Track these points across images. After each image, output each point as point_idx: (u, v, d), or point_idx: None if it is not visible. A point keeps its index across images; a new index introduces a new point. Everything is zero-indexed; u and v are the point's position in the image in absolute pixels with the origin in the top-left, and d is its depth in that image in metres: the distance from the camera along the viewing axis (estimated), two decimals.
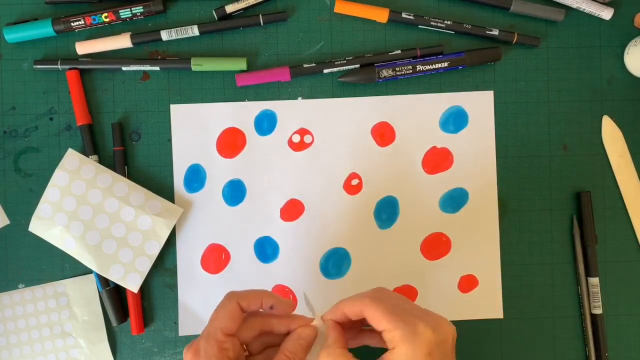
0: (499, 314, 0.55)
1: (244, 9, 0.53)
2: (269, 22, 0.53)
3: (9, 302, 0.54)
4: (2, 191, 0.54)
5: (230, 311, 0.40)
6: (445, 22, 0.53)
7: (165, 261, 0.54)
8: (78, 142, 0.54)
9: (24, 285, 0.54)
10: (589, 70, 0.55)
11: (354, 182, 0.55)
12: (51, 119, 0.54)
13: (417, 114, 0.54)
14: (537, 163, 0.55)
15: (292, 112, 0.54)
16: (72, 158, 0.52)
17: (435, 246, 0.55)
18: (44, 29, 0.53)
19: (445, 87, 0.55)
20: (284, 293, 0.54)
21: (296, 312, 0.43)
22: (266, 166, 0.54)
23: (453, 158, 0.55)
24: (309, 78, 0.54)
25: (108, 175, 0.53)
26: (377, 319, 0.38)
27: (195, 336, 0.53)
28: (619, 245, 0.55)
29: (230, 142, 0.54)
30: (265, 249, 0.54)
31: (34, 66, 0.53)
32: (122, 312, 0.54)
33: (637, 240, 0.55)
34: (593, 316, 0.55)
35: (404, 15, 0.53)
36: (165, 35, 0.53)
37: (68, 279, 0.54)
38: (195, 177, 0.54)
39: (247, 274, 0.54)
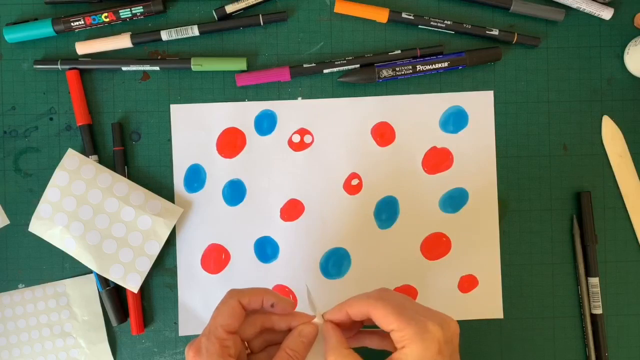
0: (499, 314, 0.55)
1: (244, 9, 0.53)
2: (269, 22, 0.53)
3: (9, 302, 0.54)
4: (2, 191, 0.54)
5: (231, 309, 0.40)
6: (445, 22, 0.53)
7: (165, 261, 0.54)
8: (78, 142, 0.54)
9: (24, 285, 0.54)
10: (589, 70, 0.55)
11: (354, 182, 0.55)
12: (51, 119, 0.54)
13: (417, 114, 0.54)
14: (537, 163, 0.55)
15: (292, 112, 0.54)
16: (72, 158, 0.52)
17: (435, 246, 0.55)
18: (44, 29, 0.53)
19: (445, 87, 0.55)
20: (284, 293, 0.54)
21: (298, 308, 0.43)
22: (266, 166, 0.54)
23: (453, 158, 0.55)
24: (309, 78, 0.54)
25: (108, 175, 0.53)
26: (386, 319, 0.38)
27: (196, 336, 0.53)
28: (619, 245, 0.55)
29: (230, 142, 0.54)
30: (265, 249, 0.54)
31: (34, 66, 0.53)
32: (122, 312, 0.54)
33: (637, 240, 0.55)
34: (593, 316, 0.55)
35: (404, 15, 0.53)
36: (165, 35, 0.53)
37: (68, 279, 0.54)
38: (195, 177, 0.54)
39: (247, 274, 0.54)
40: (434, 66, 0.53)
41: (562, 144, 0.55)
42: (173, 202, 0.54)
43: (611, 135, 0.55)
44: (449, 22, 0.53)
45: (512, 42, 0.54)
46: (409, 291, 0.55)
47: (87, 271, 0.54)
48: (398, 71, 0.53)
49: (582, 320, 0.55)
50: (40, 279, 0.54)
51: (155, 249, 0.53)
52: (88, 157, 0.53)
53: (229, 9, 0.53)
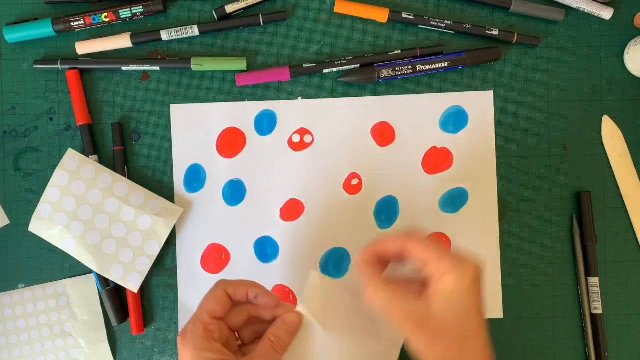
0: (499, 314, 0.55)
1: (244, 9, 0.53)
2: (269, 22, 0.53)
3: (9, 302, 0.54)
4: (2, 191, 0.54)
5: (217, 296, 0.42)
6: (445, 22, 0.53)
7: (165, 261, 0.54)
8: (78, 142, 0.54)
9: (24, 285, 0.54)
10: (589, 70, 0.55)
11: (354, 182, 0.55)
12: (51, 119, 0.54)
13: (417, 114, 0.54)
14: (537, 163, 0.55)
15: (292, 112, 0.54)
16: (72, 158, 0.52)
17: None
18: (44, 29, 0.53)
19: (445, 87, 0.55)
20: (284, 293, 0.54)
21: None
22: (266, 166, 0.54)
23: (453, 158, 0.55)
24: (309, 78, 0.54)
25: (108, 175, 0.53)
26: (422, 252, 0.40)
27: None
28: (619, 245, 0.55)
29: (230, 142, 0.54)
30: (265, 249, 0.54)
31: (34, 66, 0.53)
32: (122, 312, 0.54)
33: (637, 240, 0.55)
34: (593, 316, 0.55)
35: (404, 15, 0.53)
36: (165, 35, 0.53)
37: (68, 279, 0.54)
38: (195, 177, 0.54)
39: (247, 274, 0.54)
40: (434, 66, 0.53)
41: (562, 144, 0.55)
42: (173, 202, 0.54)
43: (611, 135, 0.55)
44: (449, 22, 0.53)
45: (512, 42, 0.54)
46: None
47: (87, 271, 0.54)
48: (398, 71, 0.53)
49: (582, 320, 0.55)
50: (40, 279, 0.54)
51: (155, 249, 0.53)
52: (88, 157, 0.53)
53: (229, 9, 0.53)
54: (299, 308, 0.45)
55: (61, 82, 0.54)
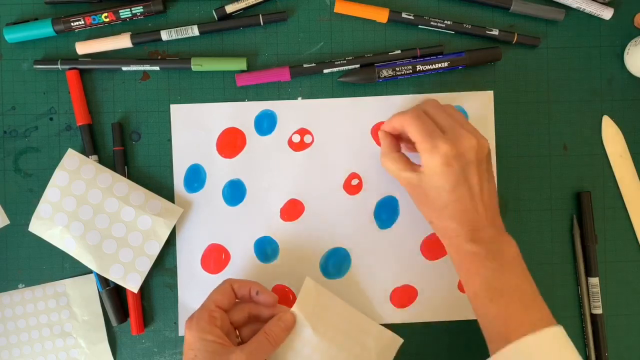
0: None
1: (244, 9, 0.53)
2: (269, 22, 0.53)
3: (9, 302, 0.54)
4: (2, 191, 0.54)
5: (222, 289, 0.49)
6: (445, 22, 0.53)
7: (165, 261, 0.54)
8: (78, 142, 0.54)
9: (24, 285, 0.54)
10: (589, 70, 0.55)
11: (354, 182, 0.55)
12: (51, 119, 0.54)
13: None
14: (537, 163, 0.55)
15: (292, 112, 0.54)
16: (72, 158, 0.52)
17: (435, 246, 0.55)
18: (44, 29, 0.53)
19: (445, 87, 0.55)
20: (284, 293, 0.54)
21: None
22: (266, 166, 0.54)
23: None
24: (309, 78, 0.54)
25: (108, 175, 0.53)
26: (412, 134, 0.47)
27: None
28: (619, 245, 0.55)
29: (230, 142, 0.54)
30: (265, 249, 0.54)
31: (34, 66, 0.53)
32: (122, 312, 0.54)
33: (637, 240, 0.55)
34: (593, 316, 0.55)
35: (404, 15, 0.53)
36: (165, 35, 0.53)
37: (68, 279, 0.54)
38: (195, 177, 0.54)
39: (247, 274, 0.54)
40: (434, 66, 0.53)
41: (562, 144, 0.55)
42: (173, 202, 0.54)
43: (611, 135, 0.55)
44: (449, 22, 0.53)
45: (512, 42, 0.54)
46: (409, 291, 0.55)
47: (87, 271, 0.54)
48: (398, 71, 0.53)
49: (582, 320, 0.55)
50: (40, 279, 0.54)
51: (155, 249, 0.53)
52: (88, 157, 0.53)
53: (229, 9, 0.53)
54: (294, 309, 0.50)
55: (61, 82, 0.54)
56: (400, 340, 0.54)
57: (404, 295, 0.55)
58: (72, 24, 0.52)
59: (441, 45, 0.54)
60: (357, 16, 0.54)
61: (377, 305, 0.54)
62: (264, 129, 0.54)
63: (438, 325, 0.55)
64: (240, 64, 0.53)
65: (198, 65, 0.53)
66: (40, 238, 0.53)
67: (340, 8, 0.53)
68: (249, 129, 0.54)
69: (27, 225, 0.53)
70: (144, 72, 0.54)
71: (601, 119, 0.55)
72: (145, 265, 0.53)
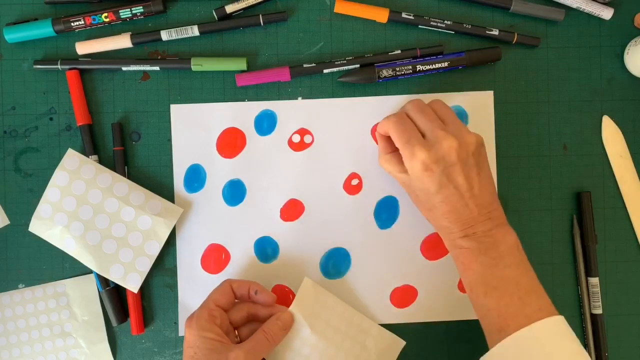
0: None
1: (244, 9, 0.53)
2: (269, 22, 0.53)
3: (9, 302, 0.54)
4: (2, 191, 0.54)
5: (222, 288, 0.50)
6: (445, 22, 0.53)
7: (165, 261, 0.54)
8: (78, 142, 0.54)
9: (24, 285, 0.54)
10: (589, 70, 0.55)
11: (354, 182, 0.55)
12: (51, 119, 0.54)
13: None
14: (537, 163, 0.55)
15: (292, 112, 0.54)
16: (72, 158, 0.52)
17: (435, 246, 0.55)
18: (44, 29, 0.53)
19: (445, 87, 0.55)
20: (283, 293, 0.54)
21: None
22: (266, 166, 0.54)
23: None
24: (309, 78, 0.54)
25: (108, 175, 0.53)
26: (394, 141, 0.48)
27: None
28: (619, 245, 0.55)
29: (230, 142, 0.54)
30: (265, 249, 0.54)
31: (34, 66, 0.53)
32: (122, 312, 0.54)
33: (637, 240, 0.55)
34: (593, 316, 0.55)
35: (404, 15, 0.53)
36: (165, 35, 0.53)
37: (68, 279, 0.54)
38: (195, 177, 0.54)
39: (247, 274, 0.54)
40: (434, 66, 0.53)
41: (562, 144, 0.55)
42: (173, 202, 0.54)
43: (611, 135, 0.55)
44: (449, 22, 0.53)
45: (512, 42, 0.54)
46: (409, 291, 0.55)
47: (87, 271, 0.54)
48: (398, 71, 0.53)
49: (582, 320, 0.55)
50: (40, 279, 0.54)
51: (155, 249, 0.53)
52: (88, 157, 0.53)
53: (229, 9, 0.53)
54: (292, 309, 0.51)
55: (61, 82, 0.54)
56: (403, 343, 0.54)
57: (404, 295, 0.55)
58: (72, 24, 0.52)
59: (441, 45, 0.54)
60: (357, 16, 0.54)
61: (377, 305, 0.54)
62: (264, 129, 0.54)
63: (438, 325, 0.55)
64: (240, 64, 0.53)
65: (198, 65, 0.53)
66: (40, 238, 0.53)
67: (340, 8, 0.53)
68: (249, 129, 0.54)
69: (27, 225, 0.53)
70: (144, 72, 0.54)
71: (601, 119, 0.55)
72: (145, 265, 0.53)
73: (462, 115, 0.54)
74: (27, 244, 0.54)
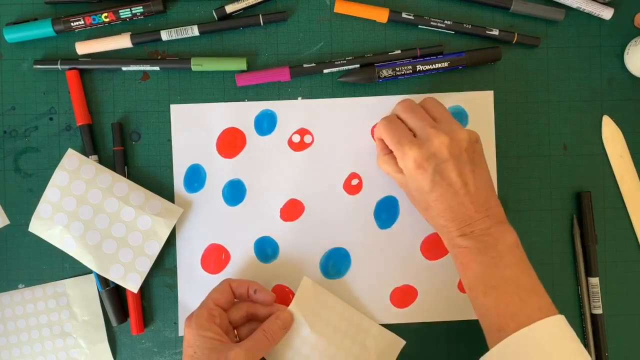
0: None
1: (244, 9, 0.53)
2: (269, 22, 0.53)
3: (9, 302, 0.54)
4: (2, 191, 0.54)
5: (221, 287, 0.50)
6: (445, 22, 0.53)
7: (165, 261, 0.54)
8: (78, 142, 0.54)
9: (24, 285, 0.54)
10: (589, 70, 0.55)
11: (354, 182, 0.55)
12: (51, 119, 0.54)
13: None
14: (537, 163, 0.55)
15: (292, 112, 0.54)
16: (72, 158, 0.52)
17: (435, 246, 0.55)
18: (44, 29, 0.53)
19: (445, 87, 0.55)
20: (283, 293, 0.54)
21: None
22: (266, 166, 0.54)
23: None
24: (309, 78, 0.54)
25: (108, 175, 0.53)
26: (387, 143, 0.49)
27: None
28: (619, 245, 0.55)
29: (230, 142, 0.54)
30: (265, 249, 0.54)
31: (34, 66, 0.53)
32: (122, 312, 0.54)
33: (637, 240, 0.55)
34: (593, 316, 0.55)
35: (404, 15, 0.53)
36: (165, 35, 0.53)
37: (68, 279, 0.54)
38: (195, 177, 0.54)
39: (247, 274, 0.54)
40: (434, 66, 0.53)
41: (562, 144, 0.55)
42: (173, 202, 0.54)
43: (611, 135, 0.55)
44: (449, 22, 0.53)
45: (512, 42, 0.54)
46: (408, 291, 0.55)
47: (87, 271, 0.54)
48: (398, 71, 0.53)
49: (582, 320, 0.55)
50: (40, 279, 0.54)
51: (155, 249, 0.53)
52: (88, 157, 0.53)
53: (229, 9, 0.53)
54: (291, 308, 0.51)
55: (61, 82, 0.54)
56: (402, 342, 0.54)
57: (404, 295, 0.55)
58: (72, 24, 0.52)
59: (441, 45, 0.54)
60: (357, 16, 0.54)
61: (377, 305, 0.54)
62: (264, 129, 0.54)
63: (438, 325, 0.55)
64: (240, 64, 0.53)
65: (198, 65, 0.53)
66: (40, 238, 0.53)
67: (340, 8, 0.53)
68: (249, 129, 0.54)
69: (27, 225, 0.53)
70: (144, 72, 0.54)
71: (601, 119, 0.55)
72: (145, 265, 0.53)
73: (462, 115, 0.54)
74: (27, 244, 0.54)
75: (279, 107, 0.54)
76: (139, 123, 0.54)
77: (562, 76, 0.55)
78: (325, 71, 0.53)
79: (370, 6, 0.53)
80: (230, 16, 0.53)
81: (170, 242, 0.54)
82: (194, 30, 0.53)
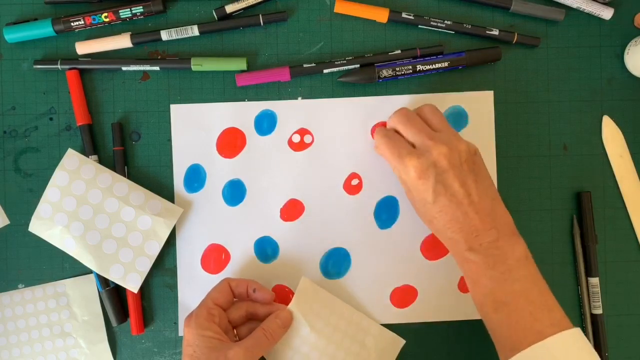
0: None
1: (244, 9, 0.53)
2: (269, 22, 0.53)
3: (8, 302, 0.54)
4: (2, 191, 0.54)
5: (220, 287, 0.50)
6: (445, 22, 0.53)
7: (165, 261, 0.54)
8: (78, 142, 0.54)
9: (24, 285, 0.54)
10: (589, 70, 0.55)
11: (354, 182, 0.55)
12: (51, 119, 0.54)
13: None
14: (537, 163, 0.55)
15: (292, 112, 0.54)
16: (72, 158, 0.52)
17: (435, 246, 0.55)
18: (44, 29, 0.53)
19: (445, 87, 0.55)
20: (283, 293, 0.54)
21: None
22: (266, 166, 0.54)
23: None
24: (309, 78, 0.54)
25: (108, 175, 0.53)
26: (386, 159, 0.49)
27: None
28: (619, 245, 0.55)
29: (230, 142, 0.54)
30: (265, 249, 0.54)
31: (34, 66, 0.53)
32: (122, 312, 0.54)
33: (637, 240, 0.55)
34: (593, 316, 0.55)
35: (404, 15, 0.53)
36: (165, 35, 0.53)
37: (68, 279, 0.54)
38: (195, 177, 0.54)
39: (247, 274, 0.54)
40: (434, 66, 0.53)
41: (562, 144, 0.55)
42: (173, 202, 0.54)
43: (611, 135, 0.55)
44: (449, 22, 0.53)
45: (512, 42, 0.54)
46: (408, 291, 0.55)
47: (87, 271, 0.54)
48: (398, 71, 0.53)
49: (582, 320, 0.55)
50: (40, 279, 0.54)
51: (155, 249, 0.53)
52: (88, 157, 0.53)
53: (229, 9, 0.53)
54: (291, 307, 0.51)
55: (61, 82, 0.54)
56: (402, 341, 0.54)
57: (404, 295, 0.55)
58: (72, 24, 0.52)
59: (441, 45, 0.54)
60: (357, 16, 0.54)
61: (377, 305, 0.54)
62: (264, 129, 0.54)
63: (438, 325, 0.55)
64: (240, 64, 0.53)
65: (198, 65, 0.53)
66: (40, 238, 0.53)
67: (340, 8, 0.53)
68: (249, 129, 0.54)
69: (27, 225, 0.53)
70: (144, 72, 0.54)
71: (601, 119, 0.55)
72: (145, 265, 0.53)
73: (462, 115, 0.54)
74: (27, 244, 0.54)
75: (279, 107, 0.54)
76: (139, 123, 0.54)
77: (562, 76, 0.55)
78: (325, 71, 0.53)
79: (370, 6, 0.53)
80: (230, 16, 0.53)
81: (170, 242, 0.54)
82: (194, 30, 0.53)
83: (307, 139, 0.54)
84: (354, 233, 0.54)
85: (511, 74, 0.55)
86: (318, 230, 0.54)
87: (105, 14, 0.52)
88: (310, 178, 0.54)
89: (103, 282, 0.53)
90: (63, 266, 0.54)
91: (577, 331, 0.43)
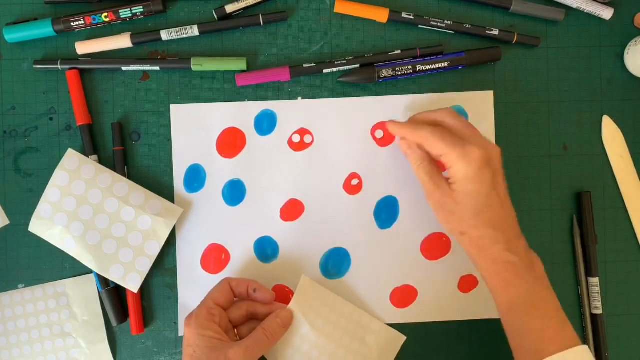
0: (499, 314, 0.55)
1: (244, 9, 0.53)
2: (269, 22, 0.53)
3: (8, 302, 0.54)
4: (2, 191, 0.54)
5: (221, 287, 0.50)
6: (445, 22, 0.53)
7: (165, 261, 0.54)
8: (78, 142, 0.54)
9: (24, 285, 0.54)
10: (589, 70, 0.55)
11: (354, 182, 0.55)
12: (51, 119, 0.54)
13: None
14: (537, 163, 0.55)
15: (292, 112, 0.54)
16: (72, 158, 0.52)
17: (435, 246, 0.55)
18: (44, 29, 0.53)
19: (445, 87, 0.55)
20: (284, 293, 0.54)
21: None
22: (266, 166, 0.54)
23: None
24: (309, 78, 0.54)
25: (108, 175, 0.53)
26: (437, 147, 0.46)
27: None
28: (619, 245, 0.55)
29: (230, 142, 0.54)
30: (265, 249, 0.54)
31: (34, 66, 0.53)
32: (122, 312, 0.54)
33: (637, 240, 0.55)
34: (593, 316, 0.55)
35: (404, 15, 0.53)
36: (165, 35, 0.53)
37: (68, 279, 0.54)
38: (195, 177, 0.54)
39: (247, 274, 0.54)
40: (434, 66, 0.53)
41: (562, 144, 0.55)
42: (173, 202, 0.54)
43: (611, 135, 0.55)
44: (449, 22, 0.53)
45: (512, 42, 0.54)
46: (408, 291, 0.55)
47: (87, 271, 0.54)
48: (398, 71, 0.53)
49: (582, 320, 0.55)
50: (40, 279, 0.54)
51: (155, 249, 0.53)
52: (88, 157, 0.53)
53: (229, 9, 0.53)
54: (291, 306, 0.51)
55: (61, 82, 0.54)
56: (403, 338, 0.54)
57: (404, 295, 0.55)
58: (72, 24, 0.52)
59: (441, 45, 0.54)
60: (357, 16, 0.54)
61: (377, 305, 0.54)
62: (264, 129, 0.54)
63: (438, 325, 0.55)
64: (240, 64, 0.53)
65: (198, 65, 0.53)
66: (40, 238, 0.53)
67: (340, 8, 0.53)
68: (249, 129, 0.54)
69: (27, 225, 0.53)
70: (144, 72, 0.54)
71: (601, 119, 0.55)
72: (145, 265, 0.53)
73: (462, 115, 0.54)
74: (27, 244, 0.54)
75: (279, 107, 0.54)
76: (139, 123, 0.54)
77: (562, 76, 0.55)
78: (325, 71, 0.53)
79: (370, 6, 0.53)
80: (230, 16, 0.53)
81: (170, 242, 0.54)
82: (194, 30, 0.53)
83: (307, 139, 0.54)
84: (354, 233, 0.54)
85: (511, 74, 0.55)
86: (318, 230, 0.54)
87: (105, 14, 0.52)
88: (310, 178, 0.54)
89: (103, 282, 0.53)
90: (63, 266, 0.54)
91: (587, 348, 0.44)
